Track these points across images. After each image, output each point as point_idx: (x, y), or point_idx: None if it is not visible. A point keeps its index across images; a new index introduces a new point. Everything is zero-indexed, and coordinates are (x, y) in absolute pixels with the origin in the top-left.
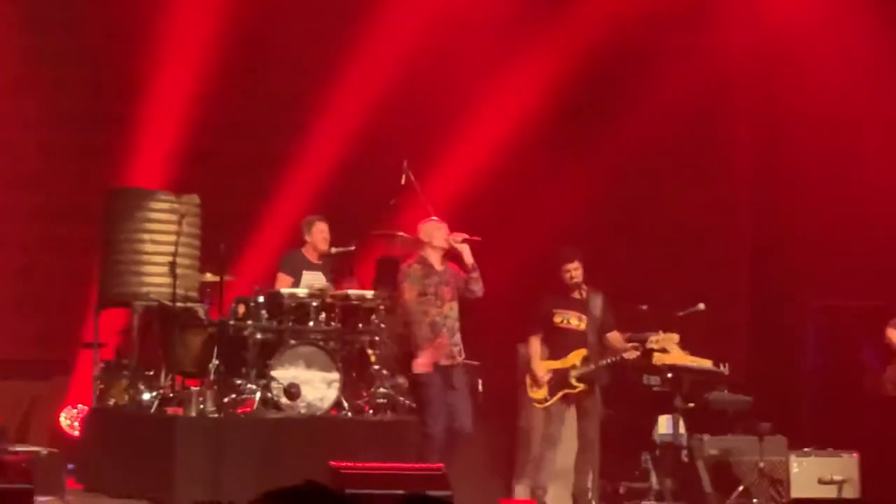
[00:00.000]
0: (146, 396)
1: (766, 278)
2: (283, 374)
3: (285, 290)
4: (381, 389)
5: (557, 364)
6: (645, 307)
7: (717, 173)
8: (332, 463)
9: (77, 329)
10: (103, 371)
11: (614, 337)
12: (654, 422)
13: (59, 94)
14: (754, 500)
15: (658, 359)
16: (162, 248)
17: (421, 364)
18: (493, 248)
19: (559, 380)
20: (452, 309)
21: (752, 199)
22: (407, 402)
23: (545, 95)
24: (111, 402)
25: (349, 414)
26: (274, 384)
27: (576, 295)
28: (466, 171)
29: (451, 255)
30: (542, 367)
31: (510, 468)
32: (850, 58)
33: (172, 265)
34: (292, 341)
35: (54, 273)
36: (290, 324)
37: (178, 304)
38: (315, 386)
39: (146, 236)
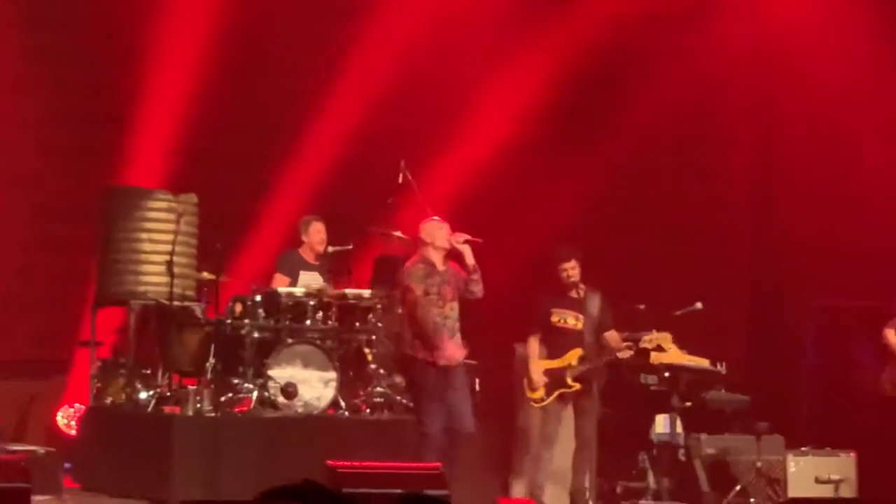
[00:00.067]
0: (143, 395)
1: (763, 278)
2: (280, 373)
3: (282, 289)
4: (378, 388)
5: (554, 364)
6: (642, 306)
7: (715, 173)
8: (330, 462)
9: (74, 328)
10: (100, 370)
11: (611, 336)
12: (651, 421)
13: (58, 94)
14: (751, 500)
15: (655, 358)
16: (159, 247)
17: (424, 352)
18: (491, 248)
19: (556, 379)
20: (453, 309)
21: (751, 199)
22: (404, 401)
23: (543, 95)
24: (108, 400)
25: (346, 413)
26: (271, 383)
27: (573, 294)
28: (464, 171)
29: (452, 255)
30: (539, 367)
31: (508, 467)
32: (850, 57)
33: (170, 264)
34: (289, 340)
35: (51, 272)
36: (287, 323)
37: (176, 303)
38: (312, 385)
39: (144, 235)
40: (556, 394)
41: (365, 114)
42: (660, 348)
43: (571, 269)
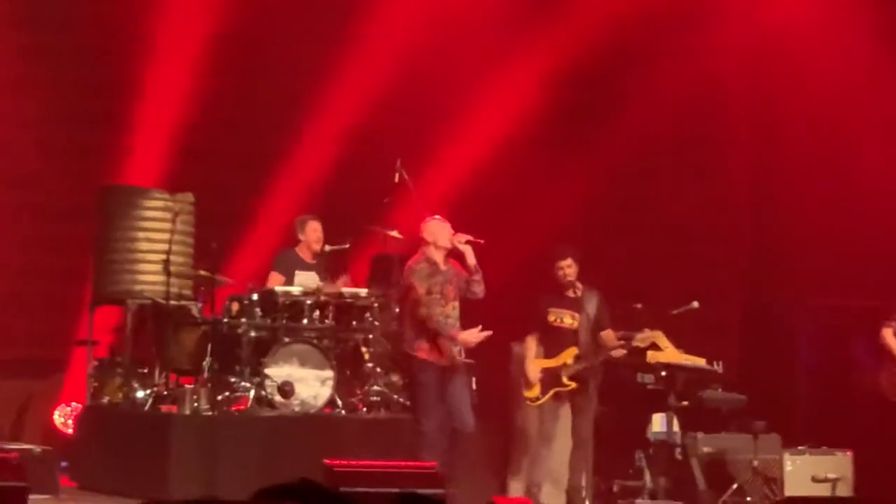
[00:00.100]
0: (140, 394)
1: (760, 277)
2: (277, 371)
3: (279, 288)
4: (375, 387)
5: (550, 362)
6: (639, 306)
7: (714, 173)
8: (326, 461)
9: (71, 327)
10: (97, 369)
11: (608, 335)
12: (648, 420)
13: (56, 93)
14: (748, 499)
15: (652, 357)
16: (156, 246)
17: (425, 351)
18: (489, 248)
19: (551, 378)
20: (455, 308)
21: (748, 199)
22: (401, 399)
23: (542, 95)
24: (105, 399)
25: (343, 412)
26: (268, 382)
27: (570, 293)
28: (461, 170)
29: (453, 255)
30: (535, 366)
31: (505, 466)
32: (848, 57)
33: (166, 263)
34: (286, 339)
35: (49, 271)
36: (284, 322)
37: (172, 303)
38: (309, 384)
39: (140, 234)
40: (551, 392)
41: (362, 113)
42: (655, 347)
43: (568, 268)
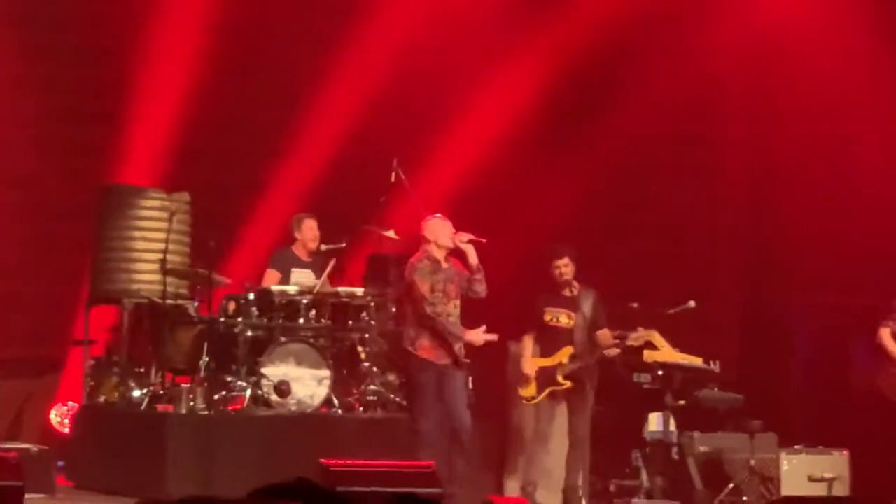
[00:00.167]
0: (136, 393)
1: (757, 276)
2: (274, 371)
3: (275, 288)
4: (372, 387)
5: (546, 362)
6: (635, 305)
7: (711, 172)
8: (323, 460)
9: (68, 326)
10: (94, 368)
11: (603, 335)
12: (644, 419)
13: (51, 92)
14: (745, 498)
15: (649, 356)
16: (152, 245)
17: (425, 350)
18: (485, 246)
19: (546, 377)
20: (456, 307)
21: (746, 198)
22: (397, 399)
23: (537, 94)
24: (101, 399)
25: (339, 411)
26: (264, 381)
27: (566, 293)
28: (457, 170)
29: (454, 253)
30: (531, 365)
31: (501, 465)
32: (844, 56)
33: (163, 262)
34: (282, 338)
35: (45, 270)
36: (281, 321)
37: (169, 302)
38: (305, 383)
39: (137, 234)
40: (546, 391)
41: (358, 112)
42: (651, 346)
43: (564, 267)
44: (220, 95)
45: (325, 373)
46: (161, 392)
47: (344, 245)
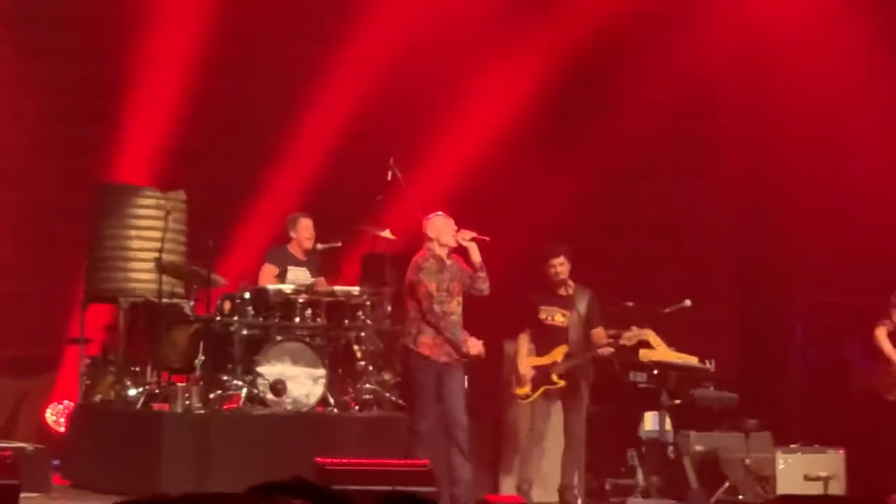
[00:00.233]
0: (132, 392)
1: (753, 275)
2: (270, 370)
3: (271, 287)
4: (367, 385)
5: (540, 360)
6: (631, 304)
7: (708, 171)
8: (318, 459)
9: (63, 325)
10: (89, 367)
11: (598, 334)
12: (640, 418)
13: (47, 91)
14: (740, 497)
15: (644, 355)
16: (148, 244)
17: (427, 347)
18: (482, 245)
19: (541, 376)
20: (459, 304)
21: (741, 196)
22: (393, 398)
23: (534, 92)
24: (97, 398)
25: (335, 410)
26: (260, 380)
27: (562, 291)
28: (454, 168)
29: (456, 250)
30: (525, 364)
31: (497, 464)
32: (840, 55)
33: (159, 261)
34: (278, 337)
35: (41, 269)
36: (277, 320)
37: (165, 301)
38: (301, 382)
39: (132, 232)
40: (541, 390)
41: (355, 111)
42: (646, 345)
43: (560, 266)
44: (216, 94)
45: (321, 372)
46: (157, 391)
47: (339, 244)
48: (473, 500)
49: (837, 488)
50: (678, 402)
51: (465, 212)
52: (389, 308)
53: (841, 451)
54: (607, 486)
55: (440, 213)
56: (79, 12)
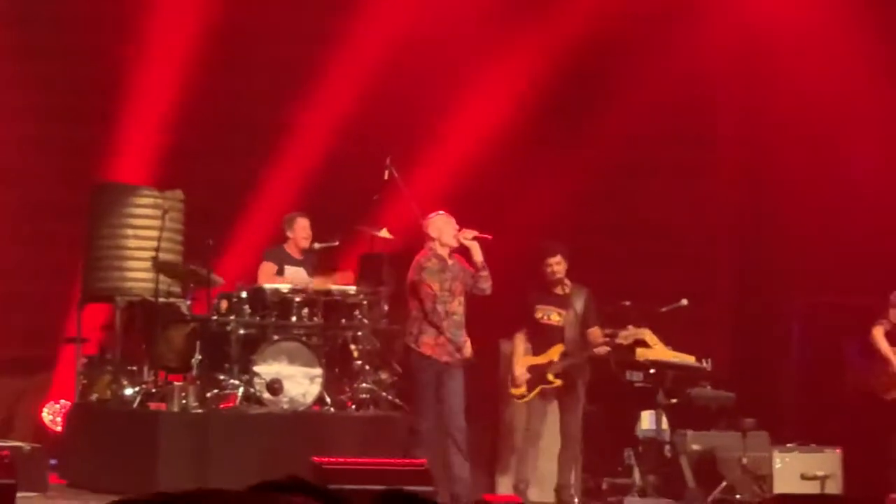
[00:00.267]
0: (129, 392)
1: (750, 274)
2: (266, 369)
3: (268, 286)
4: (364, 385)
5: (536, 360)
6: (628, 303)
7: (705, 170)
8: (315, 458)
9: (60, 324)
10: (86, 366)
11: (594, 333)
12: (636, 417)
13: (44, 90)
14: (737, 496)
15: (641, 354)
16: (145, 243)
17: (429, 346)
18: (482, 244)
19: (537, 375)
20: (461, 304)
21: (738, 196)
22: (389, 396)
23: (530, 91)
24: (94, 397)
25: (332, 409)
26: (257, 379)
27: (558, 290)
28: (451, 167)
29: (457, 249)
30: (521, 364)
31: (493, 463)
32: (840, 55)
33: (155, 260)
34: (275, 336)
35: (38, 268)
36: (273, 319)
37: (161, 300)
38: (298, 381)
39: (129, 232)
40: (537, 390)
41: (351, 110)
42: (643, 344)
43: (557, 265)
44: (212, 93)
45: (318, 371)
46: (153, 390)
47: (336, 244)
48: (472, 499)
49: (834, 487)
50: (675, 401)
51: (462, 211)
52: (386, 307)
53: (838, 451)
54: (604, 486)
55: (442, 212)
56: (78, 12)
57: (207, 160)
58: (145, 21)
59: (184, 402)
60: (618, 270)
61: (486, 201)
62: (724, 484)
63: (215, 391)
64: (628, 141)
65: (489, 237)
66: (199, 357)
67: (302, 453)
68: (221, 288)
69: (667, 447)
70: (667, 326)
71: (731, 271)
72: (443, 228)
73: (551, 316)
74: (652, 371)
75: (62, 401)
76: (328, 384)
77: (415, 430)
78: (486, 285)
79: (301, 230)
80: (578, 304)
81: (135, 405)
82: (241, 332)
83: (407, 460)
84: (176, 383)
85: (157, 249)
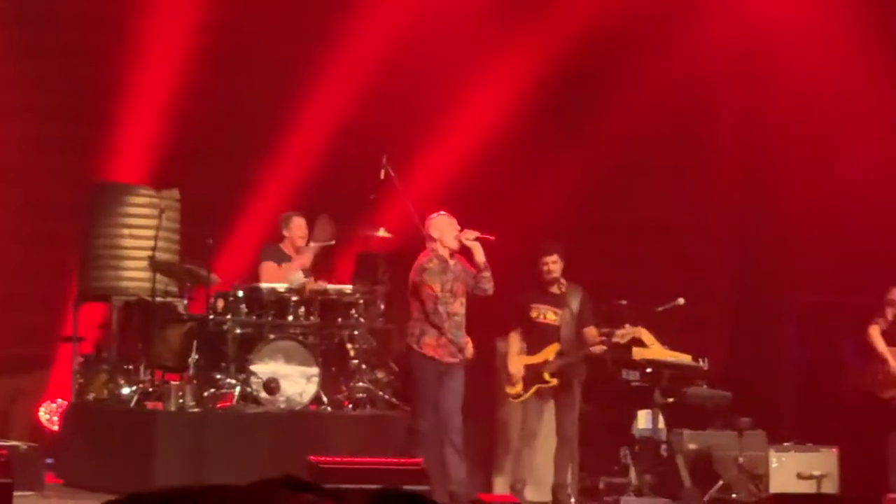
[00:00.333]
0: (126, 391)
1: (747, 273)
2: (263, 368)
3: (265, 285)
4: (361, 384)
5: (532, 359)
6: (624, 302)
7: (702, 169)
8: (312, 457)
9: (57, 323)
10: (83, 365)
11: (590, 332)
12: (633, 417)
13: (41, 89)
14: (734, 495)
15: (637, 354)
16: (141, 242)
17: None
18: (483, 244)
19: (533, 375)
20: (462, 305)
21: (735, 195)
22: (386, 396)
23: (529, 91)
24: (91, 396)
25: (328, 408)
26: (253, 379)
27: (554, 290)
28: (448, 167)
29: (460, 250)
30: (517, 363)
31: (490, 463)
32: (839, 55)
33: (152, 259)
34: (271, 336)
35: (35, 267)
36: (270, 318)
37: (158, 299)
38: (294, 380)
39: (126, 231)
40: (533, 389)
41: (348, 110)
42: (639, 343)
43: (553, 264)
44: (209, 93)
45: (314, 370)
46: (150, 389)
47: (333, 243)
48: (469, 499)
49: (830, 487)
50: (671, 400)
51: (462, 211)
52: (383, 306)
53: (834, 450)
54: (601, 485)
55: (443, 212)
56: (77, 12)
57: (204, 159)
58: (144, 21)
59: (180, 401)
60: (617, 270)
61: (485, 201)
62: (720, 483)
63: (212, 390)
64: (628, 141)
65: (491, 238)
66: (196, 356)
67: (299, 452)
68: (218, 287)
69: (663, 446)
70: (664, 325)
71: (730, 271)
72: (444, 229)
73: (547, 315)
74: (648, 370)
75: (59, 400)
76: (325, 383)
77: (414, 430)
78: (488, 286)
79: (297, 229)
80: (574, 304)
81: (131, 404)
82: (238, 331)
83: (403, 459)
84: (173, 382)
85: (153, 249)
